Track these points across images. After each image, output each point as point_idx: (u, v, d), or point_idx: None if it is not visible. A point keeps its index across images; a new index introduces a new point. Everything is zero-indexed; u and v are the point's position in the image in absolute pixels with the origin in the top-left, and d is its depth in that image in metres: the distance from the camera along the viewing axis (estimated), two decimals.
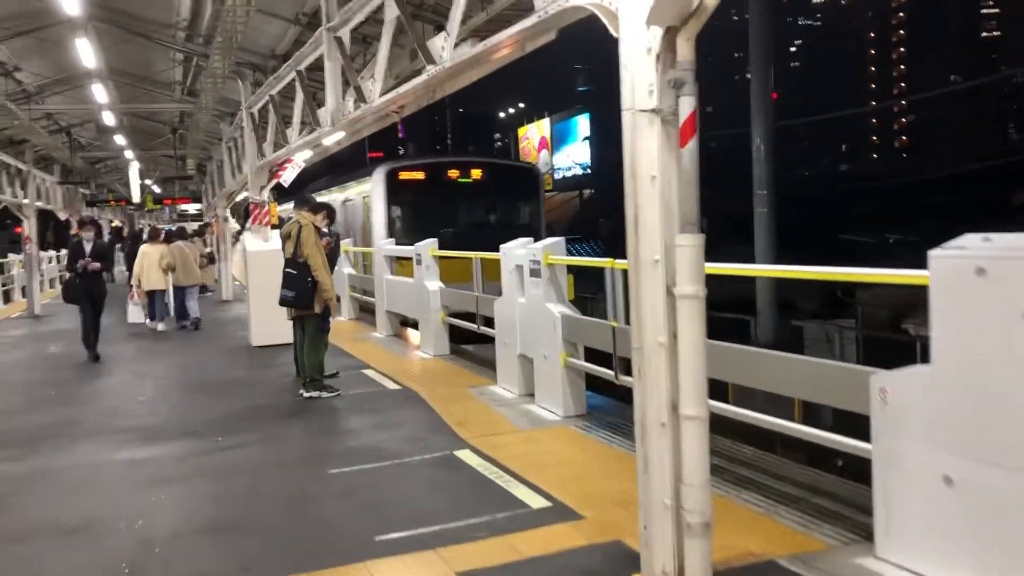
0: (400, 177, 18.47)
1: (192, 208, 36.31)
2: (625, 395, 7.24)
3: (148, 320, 15.75)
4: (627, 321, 4.62)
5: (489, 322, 9.74)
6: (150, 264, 15.47)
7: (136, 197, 27.56)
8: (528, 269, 7.98)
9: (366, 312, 16.72)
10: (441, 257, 11.72)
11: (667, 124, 3.97)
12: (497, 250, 8.74)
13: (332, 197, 22.25)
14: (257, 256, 13.18)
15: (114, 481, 6.43)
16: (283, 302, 8.98)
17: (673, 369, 4.02)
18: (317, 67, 10.94)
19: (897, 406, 4.08)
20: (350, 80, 8.69)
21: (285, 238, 9.21)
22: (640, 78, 4.01)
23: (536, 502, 5.41)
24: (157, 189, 36.48)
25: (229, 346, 13.61)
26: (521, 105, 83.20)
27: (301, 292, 8.83)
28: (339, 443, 7.24)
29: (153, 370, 11.56)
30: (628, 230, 4.11)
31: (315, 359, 9.05)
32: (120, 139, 22.00)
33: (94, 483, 6.40)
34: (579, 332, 7.35)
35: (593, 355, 7.36)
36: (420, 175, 18.89)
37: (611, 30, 4.17)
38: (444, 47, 6.72)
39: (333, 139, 12.51)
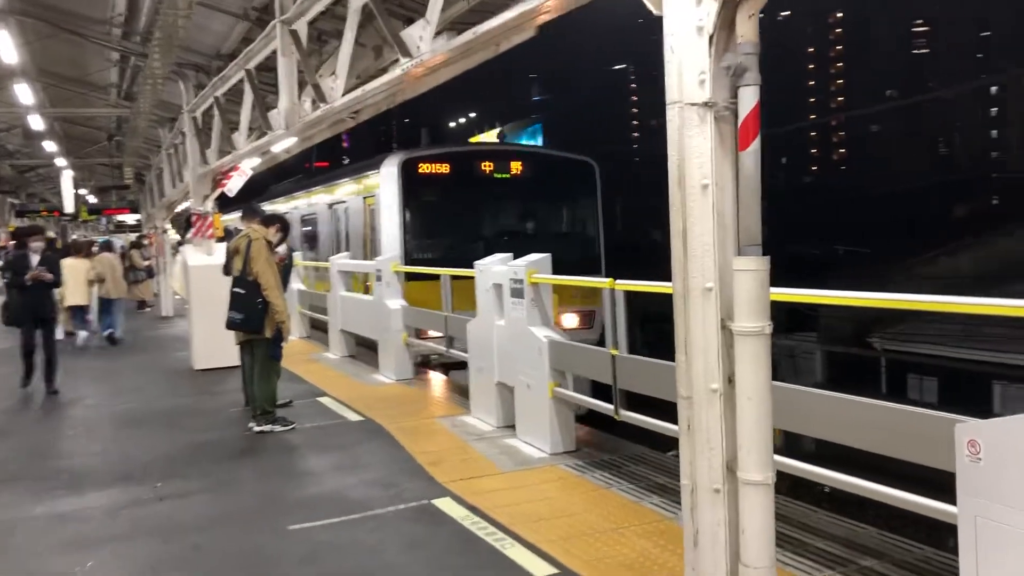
0: (420, 171, 13.99)
1: (131, 219, 34.85)
2: (625, 431, 6.54)
3: (71, 336, 14.87)
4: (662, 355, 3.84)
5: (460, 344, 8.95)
6: (74, 279, 14.34)
7: (69, 207, 26.11)
8: (509, 288, 7.18)
9: (317, 330, 15.74)
10: (412, 276, 10.94)
11: (722, 121, 3.23)
12: None
13: (313, 200, 18.93)
14: (199, 271, 12.15)
15: (31, 543, 5.44)
16: (231, 325, 8.04)
17: (730, 422, 3.26)
18: (268, 67, 10.04)
19: (993, 462, 3.37)
20: (308, 78, 7.81)
21: (233, 253, 8.29)
22: (689, 65, 3.26)
23: (538, 568, 4.59)
24: (93, 199, 34.88)
25: (169, 369, 12.54)
26: (472, 115, 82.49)
27: (251, 314, 7.91)
28: (298, 489, 6.33)
29: (84, 397, 10.46)
30: (674, 250, 3.35)
31: (267, 389, 8.13)
32: (50, 145, 20.60)
33: (5, 548, 5.40)
34: (570, 360, 6.57)
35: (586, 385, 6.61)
36: (444, 168, 14.32)
37: (650, 6, 3.41)
38: (422, 37, 5.90)
39: (283, 145, 11.61)
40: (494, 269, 7.59)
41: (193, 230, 12.89)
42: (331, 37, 9.22)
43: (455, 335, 9.15)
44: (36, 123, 16.44)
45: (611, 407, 6.01)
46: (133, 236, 32.77)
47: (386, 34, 6.44)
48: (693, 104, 3.25)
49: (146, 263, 24.09)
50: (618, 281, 5.87)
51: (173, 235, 27.08)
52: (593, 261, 14.96)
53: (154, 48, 10.47)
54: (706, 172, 3.23)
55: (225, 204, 17.03)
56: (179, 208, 20.69)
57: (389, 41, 6.49)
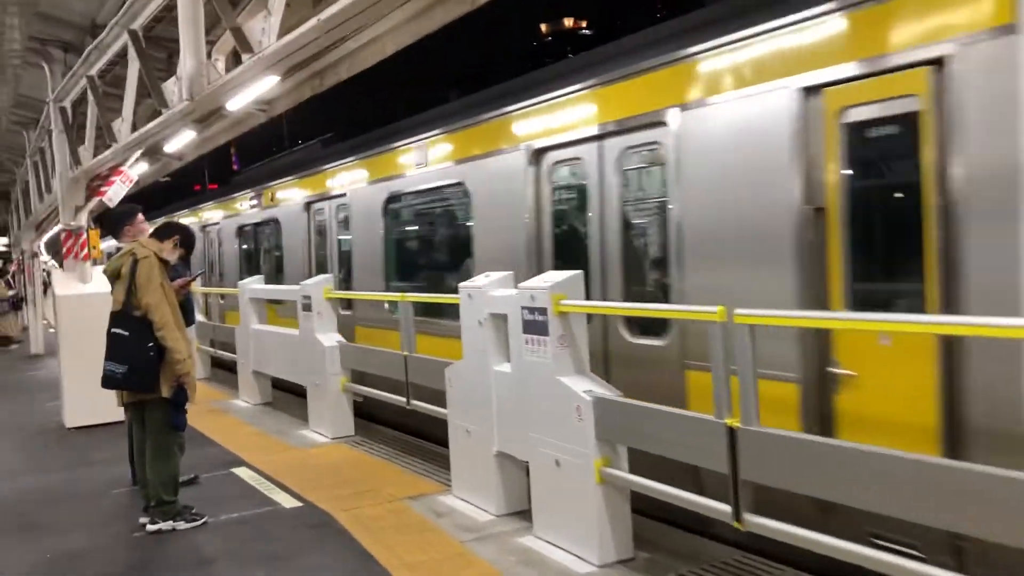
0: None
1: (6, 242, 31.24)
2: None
3: None
4: None
5: (432, 395, 6.70)
6: None
7: None
8: (521, 320, 5.00)
9: (222, 369, 13.16)
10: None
11: None
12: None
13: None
14: (71, 302, 9.53)
15: None
16: (109, 382, 5.60)
17: None
18: (161, 37, 7.65)
19: None
20: (225, 21, 5.45)
21: (112, 278, 5.87)
22: None
23: None
24: None
25: (33, 427, 9.82)
26: None
27: (138, 365, 5.50)
28: None
29: None
30: None
31: (165, 472, 5.70)
32: None
33: None
34: (633, 428, 4.41)
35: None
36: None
37: None
38: None
39: (181, 141, 9.16)
40: (494, 293, 5.41)
41: (64, 250, 10.23)
42: None
43: (420, 381, 6.91)
44: None
45: (714, 505, 3.89)
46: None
47: None
48: None
49: (10, 293, 20.98)
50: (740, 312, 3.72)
51: (48, 261, 23.78)
52: None
53: (8, 16, 7.88)
54: None
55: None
56: (56, 228, 17.72)
57: None
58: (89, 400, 8.72)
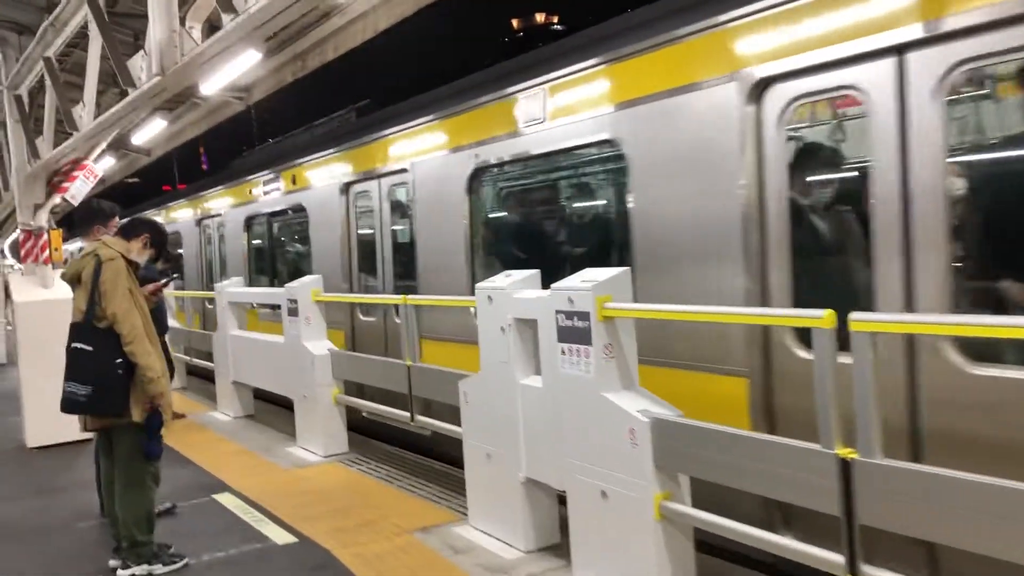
0: None
1: None
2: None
3: None
4: None
5: (447, 410, 5.96)
6: None
7: None
8: (555, 326, 4.27)
9: (196, 376, 12.31)
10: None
11: None
12: None
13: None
14: (30, 309, 8.66)
15: None
16: (70, 406, 4.80)
17: None
18: (126, 13, 6.83)
19: None
20: None
21: (73, 283, 5.07)
22: None
23: None
24: None
25: None
26: None
27: (104, 385, 4.71)
28: None
29: None
30: None
31: (138, 508, 4.90)
32: None
33: None
34: (703, 457, 3.68)
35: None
36: None
37: None
38: None
39: (150, 132, 8.35)
40: (522, 295, 4.68)
41: (23, 253, 9.36)
42: None
43: (426, 395, 6.16)
44: None
45: (826, 559, 3.17)
46: None
47: None
48: None
49: None
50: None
51: (12, 264, 22.72)
52: None
53: None
54: None
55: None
56: (16, 231, 16.72)
57: None
58: (52, 417, 7.70)
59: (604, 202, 6.13)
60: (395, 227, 8.39)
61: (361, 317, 8.83)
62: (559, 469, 4.40)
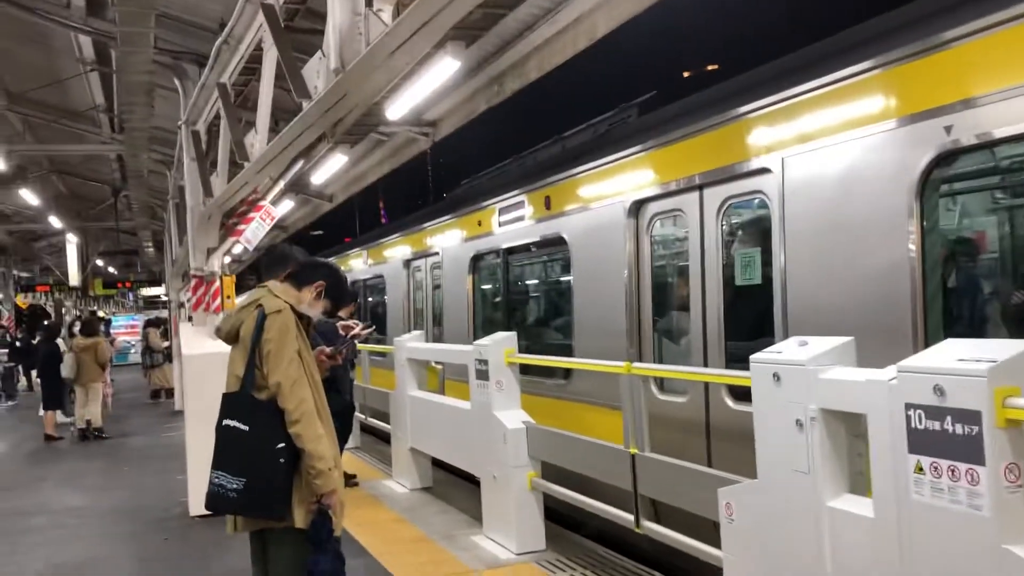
0: None
1: (157, 291, 31.34)
2: None
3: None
4: None
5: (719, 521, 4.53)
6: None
7: (74, 279, 22.20)
8: (905, 430, 2.78)
9: (371, 435, 11.40)
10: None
11: None
12: None
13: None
14: (198, 363, 7.92)
15: None
16: (218, 501, 3.74)
17: None
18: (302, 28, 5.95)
19: None
20: None
21: (229, 340, 4.00)
22: None
23: None
24: (113, 270, 31.18)
25: (154, 510, 8.24)
26: None
27: (260, 476, 3.60)
28: None
29: None
30: None
31: None
32: (30, 197, 16.55)
33: None
34: None
35: None
36: None
37: None
38: None
39: (331, 167, 7.52)
40: (830, 376, 3.22)
41: (194, 301, 8.72)
42: None
43: (659, 496, 4.74)
44: None
45: None
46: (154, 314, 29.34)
47: None
48: None
49: (165, 344, 20.43)
50: None
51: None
52: None
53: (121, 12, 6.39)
54: None
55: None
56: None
57: None
58: None
59: None
60: (727, 264, 5.62)
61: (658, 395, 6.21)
62: None
